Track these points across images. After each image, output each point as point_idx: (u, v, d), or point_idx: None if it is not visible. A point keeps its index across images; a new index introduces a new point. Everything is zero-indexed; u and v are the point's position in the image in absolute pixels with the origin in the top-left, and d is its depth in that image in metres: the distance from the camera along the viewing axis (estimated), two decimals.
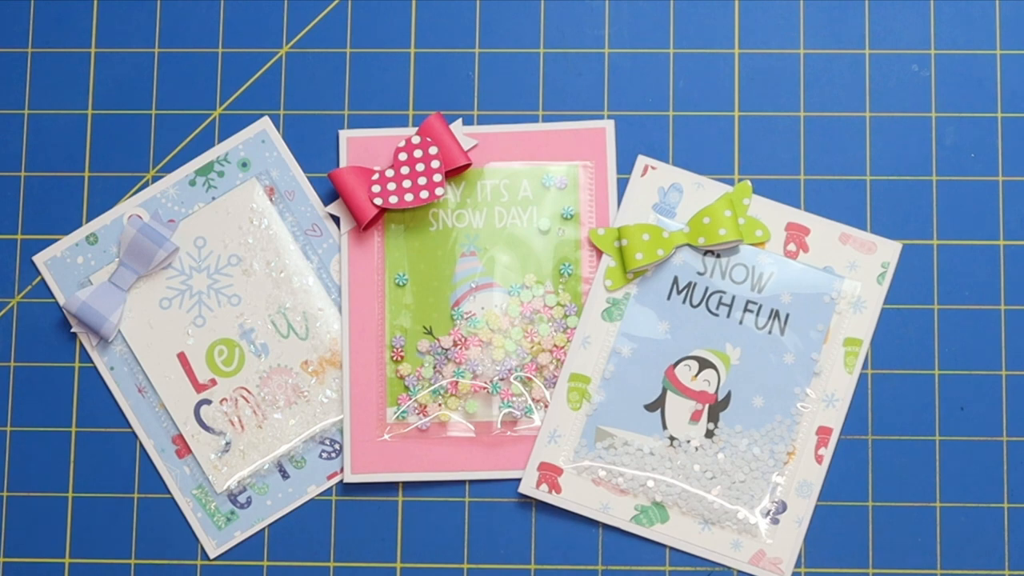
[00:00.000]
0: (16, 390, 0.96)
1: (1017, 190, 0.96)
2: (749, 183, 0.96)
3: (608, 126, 0.97)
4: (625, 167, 0.97)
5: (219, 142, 0.98)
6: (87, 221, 0.97)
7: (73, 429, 0.96)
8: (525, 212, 0.96)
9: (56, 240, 0.97)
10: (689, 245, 0.95)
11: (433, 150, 0.94)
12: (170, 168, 0.97)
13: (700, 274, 0.95)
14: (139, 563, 0.95)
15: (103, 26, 0.99)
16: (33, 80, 0.98)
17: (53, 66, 0.98)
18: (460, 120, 0.97)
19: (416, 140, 0.94)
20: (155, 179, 0.97)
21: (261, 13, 0.99)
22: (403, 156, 0.95)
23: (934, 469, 0.94)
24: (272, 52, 0.98)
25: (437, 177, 0.94)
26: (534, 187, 0.97)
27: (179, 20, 0.99)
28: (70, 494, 0.95)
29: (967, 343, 0.95)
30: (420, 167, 0.94)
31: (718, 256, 0.95)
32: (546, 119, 0.97)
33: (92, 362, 0.96)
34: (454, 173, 0.96)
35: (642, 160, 0.96)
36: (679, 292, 0.95)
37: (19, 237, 0.97)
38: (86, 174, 0.98)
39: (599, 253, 0.95)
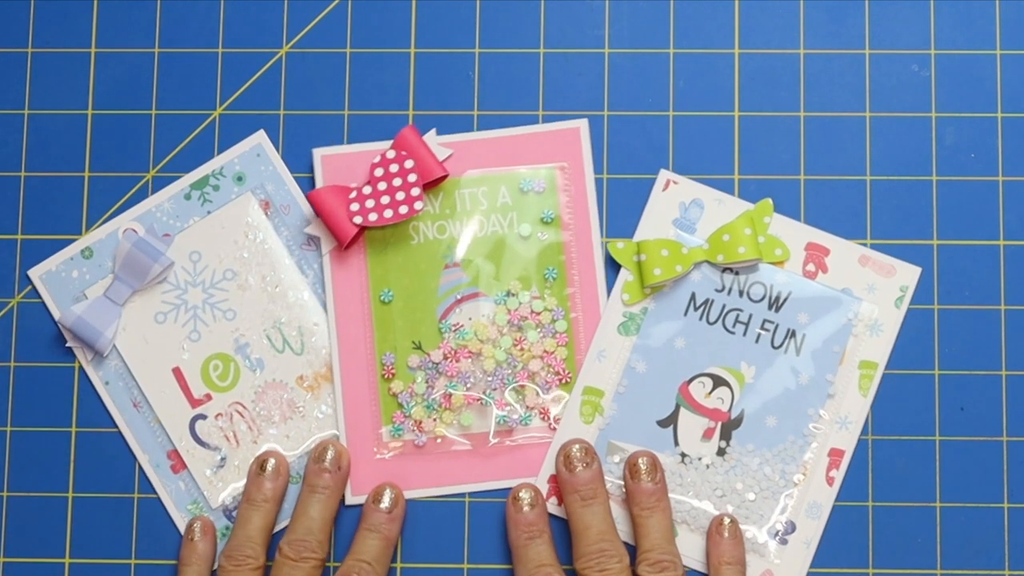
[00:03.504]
0: (16, 390, 0.96)
1: (1017, 190, 0.96)
2: (770, 201, 0.95)
3: (582, 125, 0.96)
4: (624, 167, 0.96)
5: (219, 142, 0.97)
6: (87, 221, 0.97)
7: (73, 429, 0.96)
8: (505, 219, 0.95)
9: (56, 240, 0.97)
10: (708, 262, 0.94)
11: (409, 163, 0.93)
12: (170, 168, 0.97)
13: (718, 291, 0.94)
14: (139, 563, 0.95)
15: (103, 26, 0.99)
16: (33, 80, 0.98)
17: (53, 66, 0.98)
18: (434, 131, 0.96)
19: (391, 155, 0.94)
20: (155, 179, 0.97)
21: (261, 13, 0.99)
22: (379, 172, 0.94)
23: (934, 469, 0.94)
24: (272, 52, 0.98)
25: (415, 191, 0.93)
26: (512, 193, 0.96)
27: (179, 20, 0.99)
28: (70, 494, 0.95)
29: (967, 343, 0.95)
30: (397, 182, 0.93)
31: (736, 273, 0.94)
32: (546, 119, 0.97)
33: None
34: (432, 185, 0.95)
35: (664, 174, 0.96)
36: (696, 308, 0.94)
37: (19, 237, 0.97)
38: (86, 174, 0.98)
39: (584, 255, 0.95)
